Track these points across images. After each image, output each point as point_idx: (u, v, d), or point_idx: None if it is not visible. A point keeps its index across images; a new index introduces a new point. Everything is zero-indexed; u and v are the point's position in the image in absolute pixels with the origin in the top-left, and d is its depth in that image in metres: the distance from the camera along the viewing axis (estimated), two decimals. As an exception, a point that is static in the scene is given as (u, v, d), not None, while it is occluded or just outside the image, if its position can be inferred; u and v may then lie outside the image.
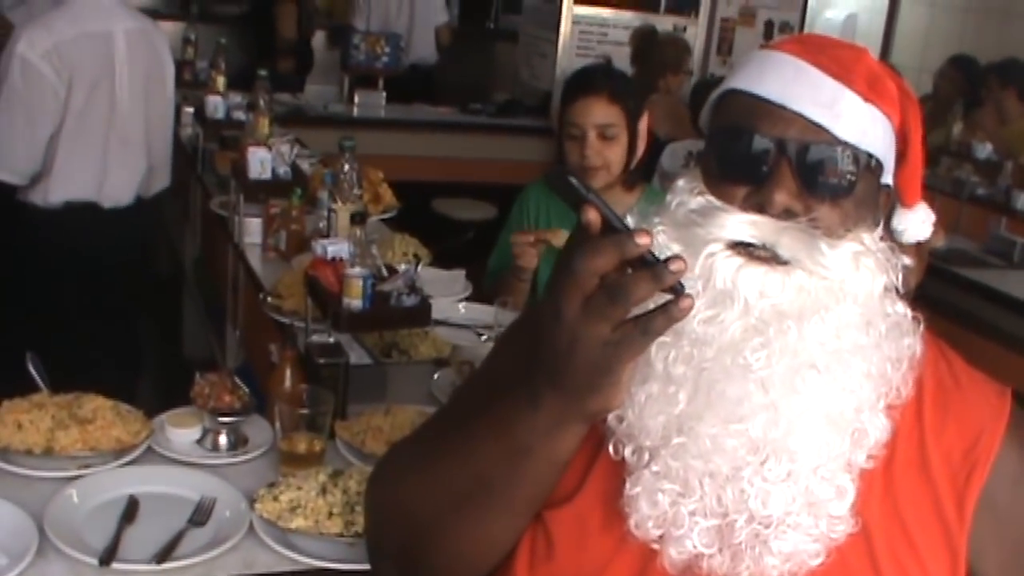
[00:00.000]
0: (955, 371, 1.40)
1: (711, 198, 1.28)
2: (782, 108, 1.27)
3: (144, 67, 4.00)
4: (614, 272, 1.09)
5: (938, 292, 4.85)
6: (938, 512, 1.31)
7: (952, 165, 6.60)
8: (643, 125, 3.15)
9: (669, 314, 1.08)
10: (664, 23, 7.67)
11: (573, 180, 1.10)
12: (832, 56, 1.31)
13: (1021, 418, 1.38)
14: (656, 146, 5.04)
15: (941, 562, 1.30)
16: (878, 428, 1.26)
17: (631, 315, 1.10)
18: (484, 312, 3.13)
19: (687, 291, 1.09)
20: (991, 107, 6.96)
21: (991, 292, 4.65)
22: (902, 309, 1.30)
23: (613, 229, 1.10)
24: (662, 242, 1.24)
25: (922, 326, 1.32)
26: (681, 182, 1.34)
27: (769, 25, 8.16)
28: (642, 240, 1.08)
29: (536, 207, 3.30)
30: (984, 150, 6.26)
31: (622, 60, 7.24)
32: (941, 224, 5.25)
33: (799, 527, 1.23)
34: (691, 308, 1.09)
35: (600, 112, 3.05)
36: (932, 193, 6.20)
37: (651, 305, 1.09)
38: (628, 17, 7.63)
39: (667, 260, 1.08)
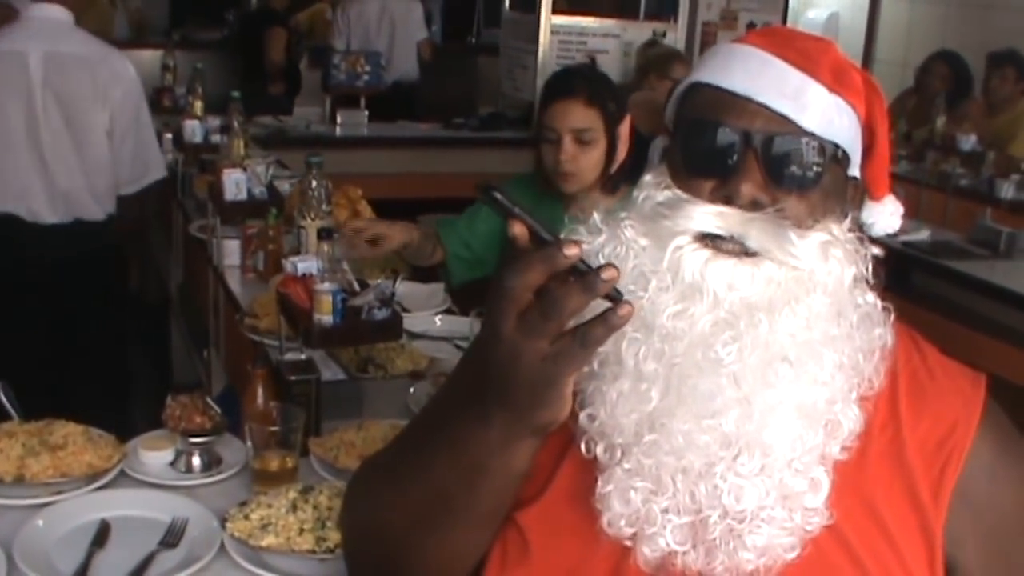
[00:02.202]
0: (929, 361, 1.40)
1: (678, 191, 1.28)
2: (747, 100, 1.27)
3: (63, 91, 4.00)
4: (548, 286, 1.09)
5: (925, 284, 4.86)
6: (914, 502, 1.30)
7: (938, 159, 6.62)
8: (624, 129, 3.05)
9: (608, 323, 1.08)
10: (643, 29, 7.69)
11: (498, 195, 1.10)
12: (797, 48, 1.31)
13: (995, 407, 1.38)
14: (640, 144, 5.01)
15: (918, 552, 1.30)
16: (851, 419, 1.26)
17: (569, 326, 1.09)
18: (462, 324, 3.12)
19: (625, 298, 1.09)
20: (980, 98, 7.00)
21: (978, 283, 4.65)
22: (872, 299, 1.30)
23: (542, 242, 1.09)
24: (629, 236, 1.25)
25: (892, 316, 1.32)
26: (648, 177, 1.34)
27: (751, 27, 8.16)
28: (570, 251, 1.07)
29: (482, 225, 3.27)
30: (968, 142, 6.28)
31: (602, 68, 7.26)
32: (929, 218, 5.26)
33: (773, 521, 1.22)
34: (630, 315, 1.08)
35: (577, 116, 2.96)
36: (919, 187, 6.27)
37: (590, 315, 1.09)
38: (607, 25, 7.67)
39: (599, 269, 1.07)
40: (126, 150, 4.11)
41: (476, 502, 1.29)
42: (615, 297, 1.08)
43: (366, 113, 7.20)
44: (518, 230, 1.09)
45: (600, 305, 1.08)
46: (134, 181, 4.17)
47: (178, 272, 5.09)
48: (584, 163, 2.98)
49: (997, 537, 1.34)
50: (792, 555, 1.23)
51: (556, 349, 1.10)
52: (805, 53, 1.31)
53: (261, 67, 8.00)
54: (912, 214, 5.62)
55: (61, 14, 4.01)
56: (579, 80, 3.07)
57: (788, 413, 1.21)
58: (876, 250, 1.32)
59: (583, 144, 2.96)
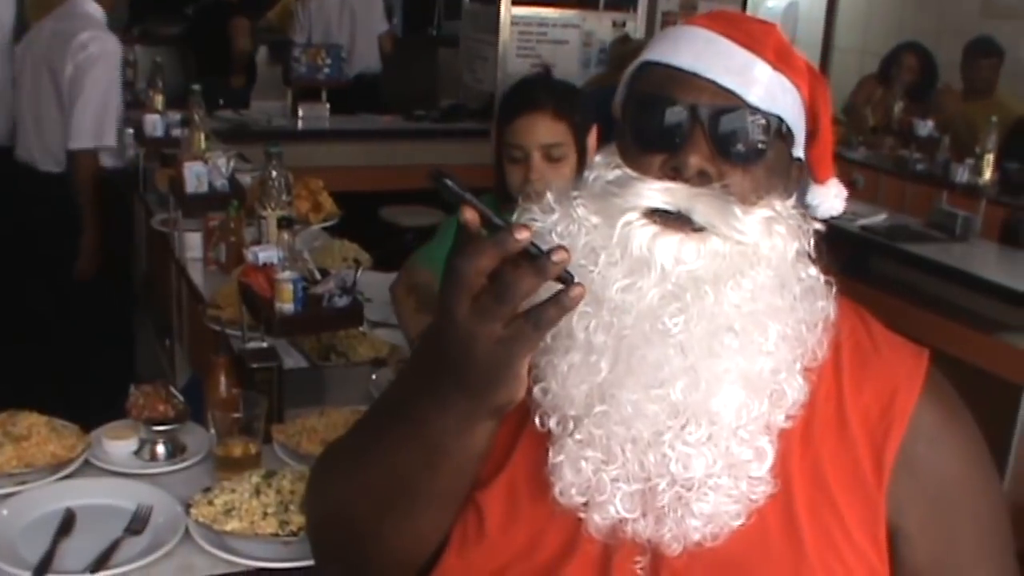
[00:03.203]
0: (873, 334, 1.42)
1: (627, 169, 1.31)
2: (695, 76, 1.30)
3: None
4: (500, 270, 1.11)
5: (884, 268, 4.91)
6: (857, 470, 1.32)
7: (896, 144, 6.69)
8: (592, 140, 2.74)
9: (560, 304, 1.10)
10: (603, 20, 7.72)
11: (449, 182, 1.11)
12: (743, 29, 1.34)
13: (939, 377, 1.41)
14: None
15: (861, 518, 1.32)
16: (796, 389, 1.28)
17: (522, 309, 1.12)
18: (423, 312, 3.14)
19: (577, 280, 1.11)
20: (946, 84, 7.06)
21: (935, 265, 4.70)
22: (815, 273, 1.32)
23: (494, 227, 1.11)
24: (581, 214, 1.27)
25: (835, 289, 1.35)
26: (598, 157, 1.37)
27: (711, 17, 8.20)
28: (521, 235, 1.09)
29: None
30: (924, 127, 6.33)
31: (563, 58, 7.29)
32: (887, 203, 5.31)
33: (720, 489, 1.24)
34: (582, 296, 1.10)
35: (545, 131, 2.68)
36: (877, 173, 6.33)
37: (542, 297, 1.11)
38: (567, 15, 7.68)
39: (550, 251, 1.09)
40: None
41: (437, 484, 1.31)
42: (566, 279, 1.10)
43: (328, 106, 7.18)
44: (469, 215, 1.11)
45: (552, 287, 1.11)
46: None
47: (141, 266, 5.09)
48: (556, 181, 2.61)
49: (938, 504, 1.36)
50: (737, 523, 1.26)
51: (510, 332, 1.12)
52: (750, 33, 1.34)
53: (219, 61, 7.95)
54: (871, 199, 5.69)
55: None
56: (543, 91, 2.79)
57: (734, 382, 1.24)
58: (818, 225, 1.36)
59: (553, 161, 2.70)
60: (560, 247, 1.10)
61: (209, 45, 8.05)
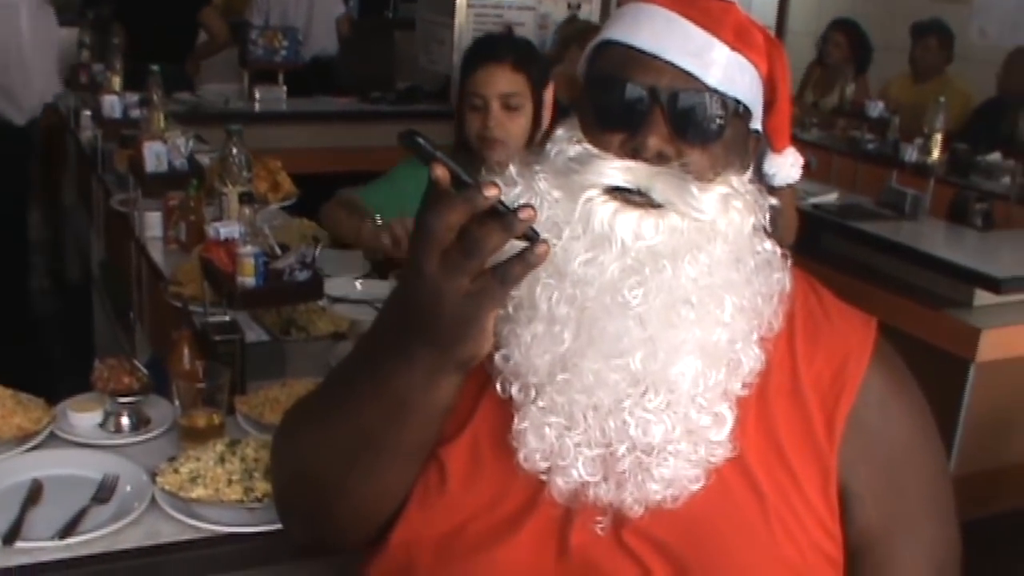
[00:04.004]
0: (824, 304, 1.49)
1: (588, 146, 1.35)
2: (654, 58, 1.34)
3: None
4: (468, 226, 1.15)
5: (835, 246, 4.98)
6: (810, 433, 1.39)
7: (847, 125, 6.78)
8: (548, 95, 3.04)
9: (525, 261, 1.15)
10: (559, 3, 7.75)
11: (420, 140, 1.16)
12: (701, 8, 1.38)
13: (886, 345, 1.47)
14: (562, 113, 5.12)
15: (813, 479, 1.38)
16: (752, 358, 1.34)
17: (489, 265, 1.17)
18: (381, 288, 3.19)
19: (543, 237, 1.16)
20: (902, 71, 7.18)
21: (885, 243, 4.78)
22: (770, 247, 1.38)
23: (463, 184, 1.16)
24: (543, 188, 1.32)
25: (790, 262, 1.41)
26: (560, 131, 1.41)
27: (665, 0, 8.26)
28: (490, 192, 1.14)
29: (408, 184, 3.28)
30: (875, 108, 6.44)
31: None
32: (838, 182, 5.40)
33: (679, 454, 1.30)
34: (547, 253, 1.16)
35: (504, 81, 2.96)
36: (830, 153, 6.42)
37: (508, 255, 1.16)
38: (522, -3, 7.72)
39: (517, 209, 1.15)
40: None
41: (402, 439, 1.36)
42: (532, 237, 1.15)
43: (284, 88, 7.20)
44: (440, 172, 1.16)
45: (517, 247, 1.16)
46: None
47: (100, 248, 5.09)
48: (512, 129, 2.98)
49: (886, 463, 1.43)
50: (697, 486, 1.32)
51: (477, 286, 1.17)
52: (708, 13, 1.38)
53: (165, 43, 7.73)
54: (824, 179, 5.77)
55: None
56: (505, 45, 3.09)
57: (691, 352, 1.30)
58: (774, 201, 1.42)
59: (511, 110, 2.97)
60: (527, 205, 1.15)
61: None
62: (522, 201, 1.27)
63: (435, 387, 1.30)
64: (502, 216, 1.14)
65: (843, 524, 1.42)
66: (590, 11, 7.84)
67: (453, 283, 1.17)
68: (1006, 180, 5.76)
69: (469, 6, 7.52)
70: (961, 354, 4.24)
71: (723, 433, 1.32)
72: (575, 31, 6.60)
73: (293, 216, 3.98)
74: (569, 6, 7.73)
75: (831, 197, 5.15)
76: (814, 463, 1.39)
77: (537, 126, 3.02)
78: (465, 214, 1.15)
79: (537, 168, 1.36)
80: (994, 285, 4.27)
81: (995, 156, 5.96)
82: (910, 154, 5.62)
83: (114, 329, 4.83)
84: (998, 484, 4.29)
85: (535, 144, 2.92)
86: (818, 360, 1.43)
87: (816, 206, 5.09)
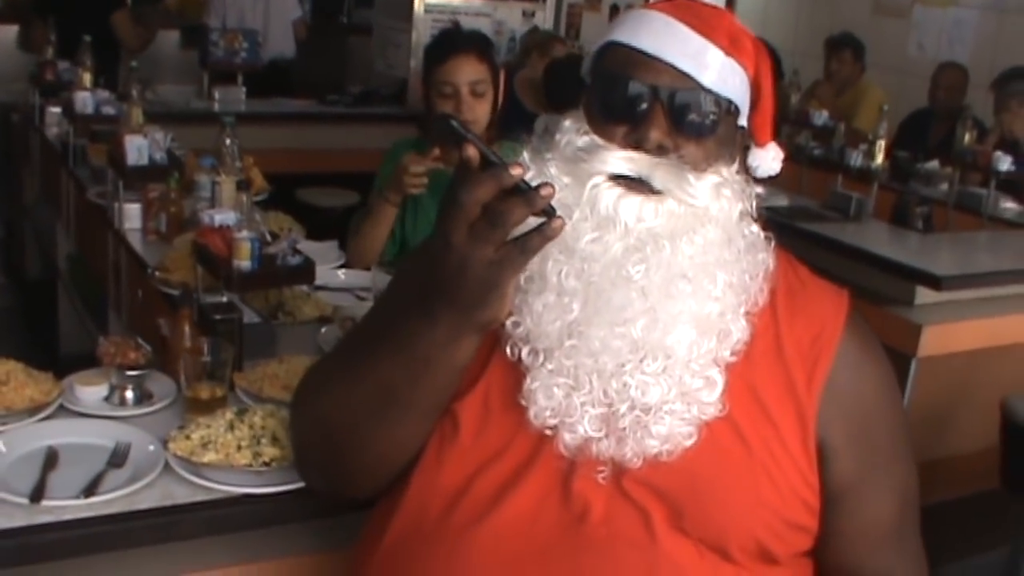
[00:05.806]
0: (801, 276, 1.66)
1: (595, 137, 1.51)
2: (656, 59, 1.50)
3: None
4: (494, 201, 1.30)
5: (784, 246, 5.13)
6: (791, 391, 1.55)
7: (792, 132, 6.98)
8: (500, 82, 3.35)
9: (543, 233, 1.31)
10: (513, 9, 7.94)
11: (454, 123, 1.33)
12: (698, 15, 1.54)
13: (857, 313, 1.65)
14: (523, 115, 5.32)
15: (794, 432, 1.55)
16: (739, 330, 1.51)
17: (511, 237, 1.31)
18: (361, 276, 3.34)
19: (558, 214, 1.31)
20: (830, 80, 7.45)
21: (831, 243, 4.93)
22: (756, 230, 1.56)
23: (491, 164, 1.30)
24: (553, 173, 1.47)
25: (772, 243, 1.58)
26: (567, 123, 1.56)
27: (615, 9, 8.45)
28: (516, 171, 1.30)
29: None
30: (820, 117, 6.62)
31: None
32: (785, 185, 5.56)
33: (674, 413, 1.46)
34: (562, 227, 1.31)
35: (471, 69, 3.23)
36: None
37: (528, 227, 1.31)
38: (478, 4, 7.90)
39: (538, 187, 1.30)
40: None
41: (420, 394, 1.51)
42: (549, 212, 1.31)
43: (243, 90, 7.27)
44: (471, 152, 1.31)
45: (535, 222, 1.31)
46: None
47: (68, 242, 5.16)
48: (479, 113, 3.24)
49: (860, 418, 1.60)
50: (690, 441, 1.48)
51: (500, 255, 1.33)
52: (704, 19, 1.54)
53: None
54: (773, 183, 5.92)
55: None
56: (468, 38, 3.41)
57: (686, 322, 1.46)
58: (759, 189, 1.59)
59: (477, 96, 3.23)
60: (547, 184, 1.31)
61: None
62: (534, 185, 1.44)
63: (456, 346, 1.45)
64: (524, 193, 1.30)
65: (820, 474, 1.58)
66: (543, 18, 8.00)
67: (478, 252, 1.32)
68: (944, 186, 5.99)
69: (427, 12, 7.67)
70: (903, 349, 4.38)
71: (714, 395, 1.48)
72: (536, 40, 6.81)
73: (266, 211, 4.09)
74: (524, 13, 7.90)
75: (782, 201, 5.32)
76: (795, 418, 1.55)
77: (495, 109, 3.32)
78: (493, 190, 1.30)
79: (548, 156, 1.52)
80: (934, 283, 4.43)
81: (933, 164, 6.22)
82: (855, 159, 5.82)
83: (82, 320, 4.90)
84: (936, 475, 4.45)
85: (492, 126, 3.29)
86: (798, 326, 1.59)
87: (768, 208, 5.23)
